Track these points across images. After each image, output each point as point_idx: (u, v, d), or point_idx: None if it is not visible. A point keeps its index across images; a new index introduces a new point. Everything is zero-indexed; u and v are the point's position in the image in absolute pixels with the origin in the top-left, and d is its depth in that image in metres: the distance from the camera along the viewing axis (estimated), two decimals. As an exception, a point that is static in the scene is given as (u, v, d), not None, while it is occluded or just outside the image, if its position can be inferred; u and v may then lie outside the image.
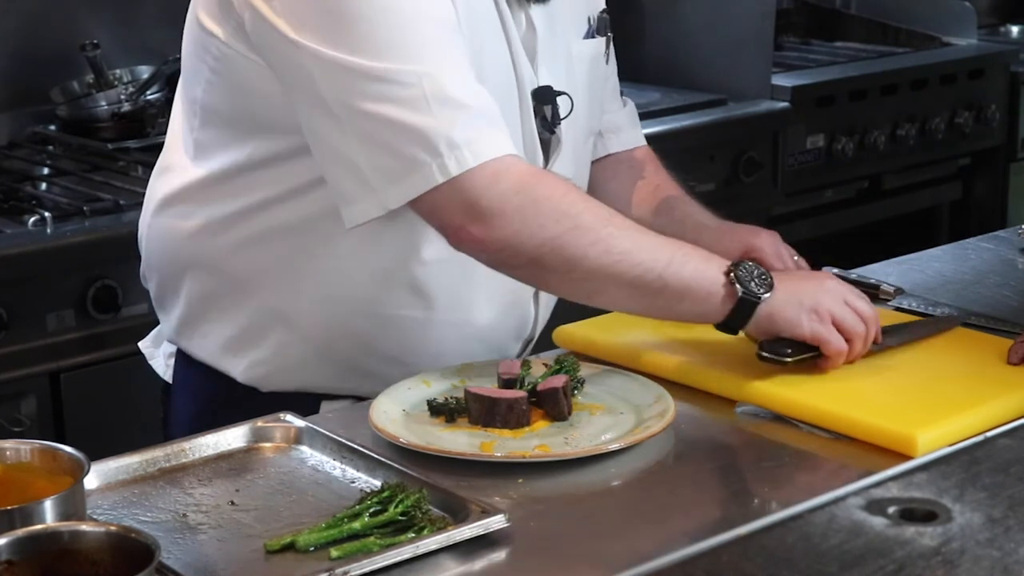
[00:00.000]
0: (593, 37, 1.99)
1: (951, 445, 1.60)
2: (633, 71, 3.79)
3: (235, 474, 1.58)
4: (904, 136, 3.99)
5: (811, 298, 1.73)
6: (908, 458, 1.59)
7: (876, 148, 3.92)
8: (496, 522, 1.42)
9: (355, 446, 1.60)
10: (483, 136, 1.67)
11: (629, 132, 2.17)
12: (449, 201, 1.67)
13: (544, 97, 1.87)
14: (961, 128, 4.14)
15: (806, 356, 1.76)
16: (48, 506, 1.32)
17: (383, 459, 1.57)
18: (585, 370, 1.78)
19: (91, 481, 1.52)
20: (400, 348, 1.87)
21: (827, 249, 3.86)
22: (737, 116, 3.57)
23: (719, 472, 1.63)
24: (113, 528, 1.30)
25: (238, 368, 1.88)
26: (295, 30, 1.67)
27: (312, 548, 1.40)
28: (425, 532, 1.41)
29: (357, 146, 1.68)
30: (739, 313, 1.72)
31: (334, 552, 1.39)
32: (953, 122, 4.12)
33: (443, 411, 1.71)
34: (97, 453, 1.54)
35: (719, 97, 3.62)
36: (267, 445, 1.65)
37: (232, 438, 1.65)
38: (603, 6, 2.03)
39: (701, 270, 1.72)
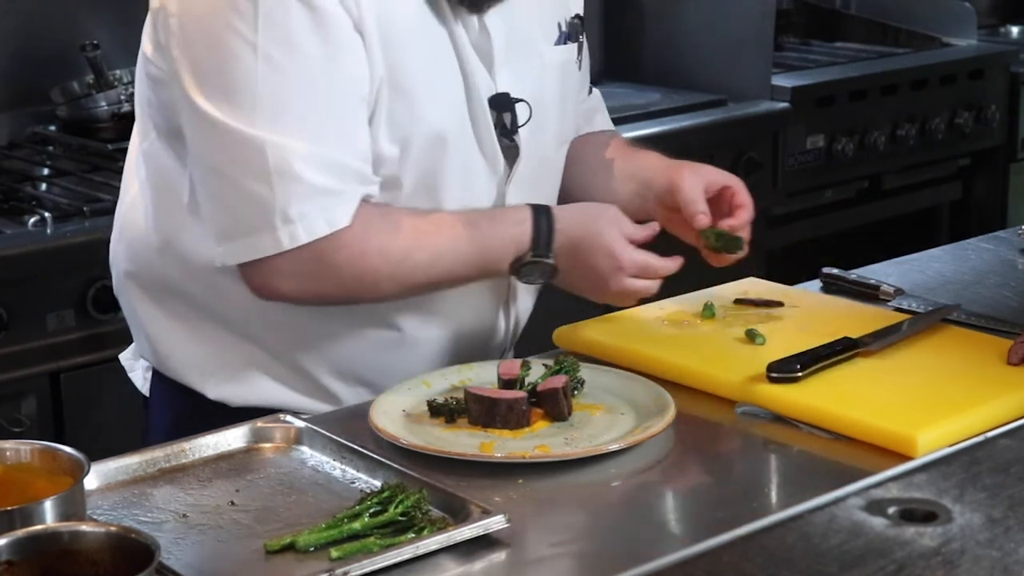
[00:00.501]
0: (564, 43, 1.97)
1: (951, 445, 1.60)
2: (633, 71, 3.80)
3: (235, 474, 1.58)
4: (904, 136, 3.98)
5: (600, 278, 1.83)
6: (908, 458, 1.59)
7: (876, 148, 3.92)
8: (496, 522, 1.42)
9: (355, 446, 1.60)
10: (319, 212, 1.70)
11: (601, 115, 2.19)
12: (274, 269, 1.73)
13: (502, 104, 1.86)
14: (961, 128, 4.14)
15: (817, 368, 1.76)
16: (48, 506, 1.32)
17: (383, 459, 1.57)
18: (585, 370, 1.78)
19: (91, 481, 1.52)
20: (368, 367, 1.87)
21: (827, 249, 3.87)
22: (737, 116, 3.57)
23: (719, 472, 1.63)
24: (113, 528, 1.30)
25: (207, 385, 1.87)
26: (190, 74, 1.71)
27: (312, 548, 1.40)
28: (425, 532, 1.41)
29: (207, 200, 1.74)
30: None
31: (334, 552, 1.39)
32: (953, 122, 4.12)
33: (443, 411, 1.71)
34: (97, 453, 1.54)
35: (719, 97, 3.62)
36: (267, 445, 1.65)
37: (232, 438, 1.65)
38: (576, 11, 2.01)
39: (491, 269, 1.82)
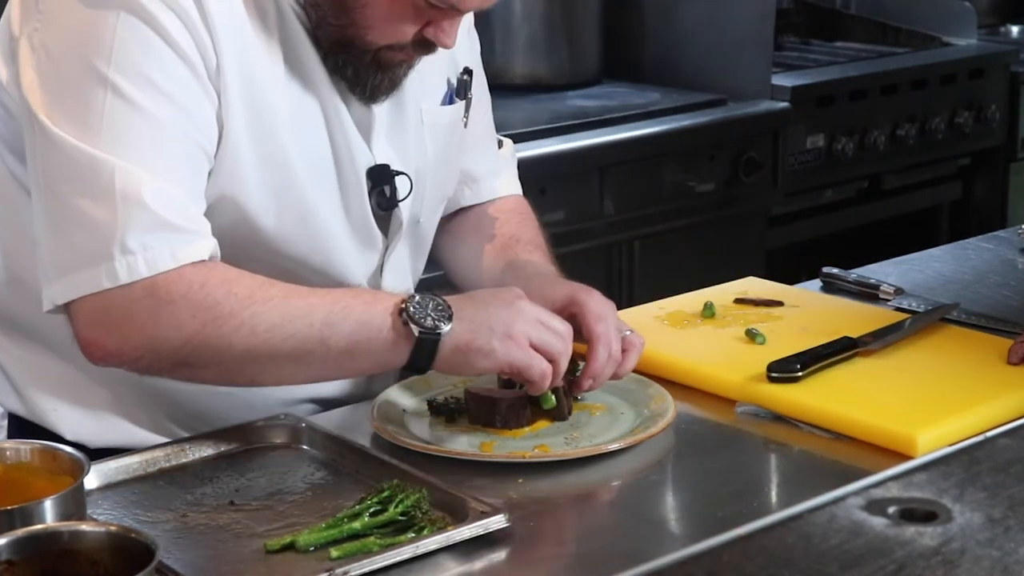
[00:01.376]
0: (451, 102, 1.89)
1: (951, 445, 1.60)
2: (633, 71, 3.80)
3: (235, 474, 1.58)
4: (904, 136, 3.98)
5: (502, 323, 1.59)
6: (908, 458, 1.59)
7: (876, 148, 3.92)
8: (496, 522, 1.42)
9: (355, 446, 1.60)
10: (163, 245, 1.55)
11: (488, 182, 2.03)
12: (102, 313, 1.55)
13: (380, 176, 1.77)
14: (961, 128, 4.13)
15: (817, 367, 1.76)
16: (48, 506, 1.32)
17: (383, 459, 1.57)
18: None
19: (91, 481, 1.52)
20: (210, 412, 1.77)
21: (827, 249, 3.87)
22: (737, 116, 3.57)
23: (719, 472, 1.63)
24: (113, 528, 1.30)
25: (65, 427, 1.77)
26: (39, 98, 1.59)
27: (312, 548, 1.40)
28: (425, 532, 1.41)
29: (44, 231, 1.59)
30: (421, 352, 1.58)
31: (334, 552, 1.39)
32: (953, 122, 4.12)
33: (443, 411, 1.71)
34: (97, 453, 1.54)
35: (719, 97, 3.61)
36: (267, 445, 1.65)
37: (232, 438, 1.65)
38: (464, 64, 1.92)
39: (364, 320, 1.57)
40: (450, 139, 1.90)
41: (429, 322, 1.57)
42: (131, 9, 1.58)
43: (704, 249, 3.42)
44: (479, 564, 1.40)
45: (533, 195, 2.98)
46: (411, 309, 1.57)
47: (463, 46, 1.88)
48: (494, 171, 2.04)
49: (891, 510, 1.38)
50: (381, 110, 1.77)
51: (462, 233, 2.00)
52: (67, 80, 1.59)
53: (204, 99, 1.62)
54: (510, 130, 3.13)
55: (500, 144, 2.08)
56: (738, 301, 2.05)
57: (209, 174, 1.64)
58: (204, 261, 1.57)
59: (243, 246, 1.68)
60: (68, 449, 1.43)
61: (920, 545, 1.30)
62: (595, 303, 1.74)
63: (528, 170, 3.02)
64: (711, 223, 3.49)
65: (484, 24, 3.57)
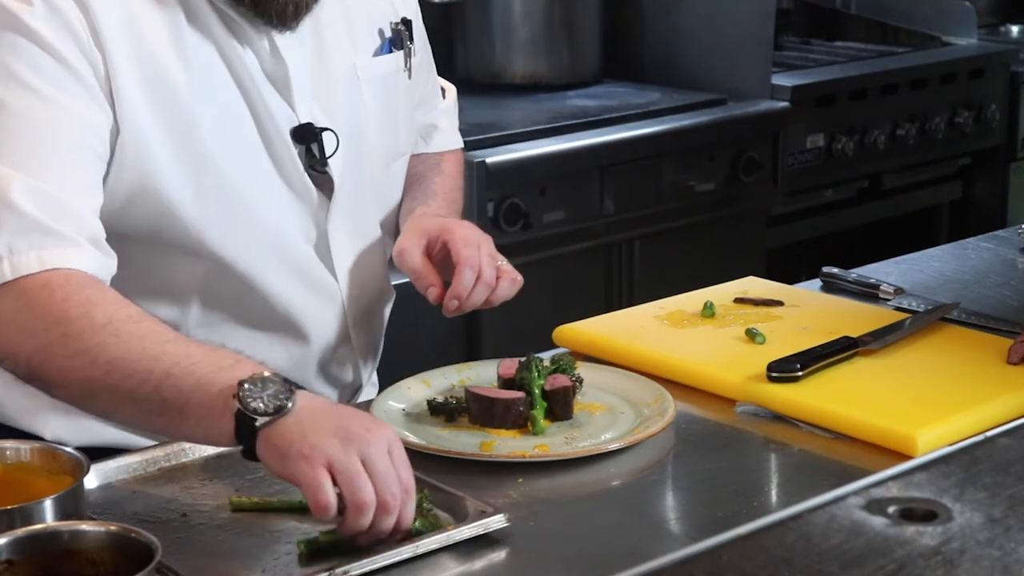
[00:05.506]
0: (389, 52, 1.86)
1: (951, 445, 1.60)
2: (633, 70, 3.80)
3: (235, 474, 1.58)
4: (904, 136, 3.98)
5: (316, 433, 1.37)
6: (908, 458, 1.59)
7: (876, 148, 3.92)
8: (496, 522, 1.42)
9: (355, 446, 1.60)
10: (29, 248, 1.51)
11: (441, 134, 2.06)
12: None
13: (304, 135, 1.74)
14: (961, 128, 4.13)
15: (817, 367, 1.76)
16: (48, 506, 1.33)
17: (383, 459, 1.56)
18: (585, 369, 1.78)
19: (91, 481, 1.52)
20: None
21: (827, 249, 3.88)
22: (737, 116, 3.57)
23: (719, 472, 1.63)
24: (113, 528, 1.30)
25: (43, 427, 1.76)
26: None
27: (314, 552, 1.40)
28: (425, 532, 1.41)
29: None
30: (241, 435, 1.40)
31: (334, 552, 1.39)
32: (953, 122, 4.12)
33: (443, 411, 1.71)
34: (97, 453, 1.54)
35: (719, 97, 3.61)
36: (267, 445, 1.64)
37: (232, 438, 1.65)
38: (403, 15, 1.89)
39: (205, 383, 1.42)
40: (392, 90, 1.88)
41: (258, 404, 1.39)
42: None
43: (704, 249, 3.41)
44: (479, 564, 1.40)
45: (533, 195, 2.99)
46: (247, 388, 1.40)
47: None
48: (440, 122, 2.06)
49: (891, 510, 1.38)
50: (300, 64, 1.75)
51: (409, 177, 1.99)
52: None
53: (84, 93, 1.60)
54: (510, 130, 3.13)
55: (444, 94, 2.09)
56: (738, 301, 2.05)
57: (110, 167, 1.62)
58: (79, 272, 1.52)
59: (169, 241, 1.68)
60: (68, 449, 1.43)
61: (920, 545, 1.30)
62: (465, 230, 1.78)
63: (528, 170, 3.04)
64: (711, 223, 3.49)
65: (484, 24, 3.58)
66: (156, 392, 1.44)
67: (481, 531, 1.42)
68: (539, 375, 1.71)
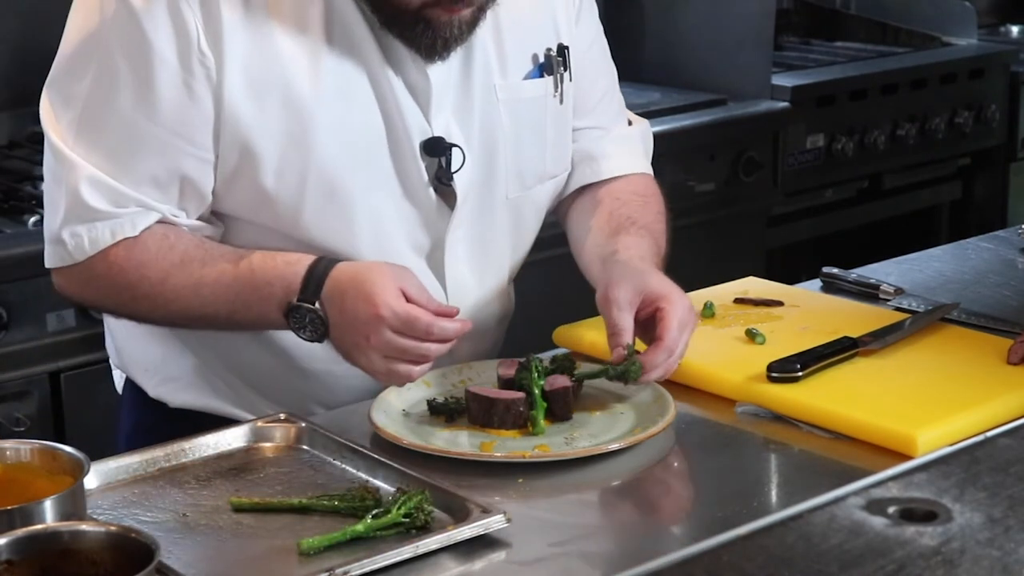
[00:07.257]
0: (539, 76, 1.89)
1: (951, 445, 1.60)
2: (633, 70, 3.80)
3: (235, 474, 1.58)
4: (904, 136, 3.98)
5: (352, 354, 1.69)
6: (908, 458, 1.59)
7: (876, 148, 3.92)
8: (496, 522, 1.42)
9: (355, 446, 1.60)
10: (86, 232, 1.72)
11: (608, 162, 2.01)
12: (59, 275, 1.79)
13: (434, 149, 1.79)
14: (961, 128, 4.14)
15: (817, 367, 1.76)
16: (48, 506, 1.32)
17: (383, 459, 1.57)
18: (585, 369, 1.78)
19: (91, 481, 1.52)
20: (312, 390, 1.85)
21: (827, 249, 3.88)
22: (737, 116, 3.57)
23: (719, 472, 1.63)
24: (113, 528, 1.30)
25: (149, 384, 1.90)
26: (47, 86, 1.77)
27: (314, 552, 1.40)
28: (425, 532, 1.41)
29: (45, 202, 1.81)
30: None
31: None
32: (953, 122, 4.12)
33: (443, 411, 1.71)
34: (96, 453, 1.54)
35: (719, 97, 3.62)
36: (267, 445, 1.65)
37: (232, 438, 1.65)
38: (554, 43, 1.90)
39: (262, 314, 1.72)
40: (538, 114, 1.90)
41: (304, 335, 1.70)
42: (123, 5, 1.68)
43: (704, 249, 3.41)
44: (479, 564, 1.40)
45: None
46: (292, 319, 1.70)
47: (559, 22, 1.91)
48: (616, 151, 2.02)
49: (891, 510, 1.38)
50: (444, 81, 1.79)
51: (580, 212, 1.99)
52: (67, 64, 1.75)
53: (185, 93, 1.69)
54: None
55: (631, 123, 2.08)
56: (738, 301, 2.05)
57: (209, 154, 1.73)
58: (129, 239, 1.73)
59: (266, 226, 1.76)
60: (68, 449, 1.43)
61: (920, 545, 1.30)
62: (682, 311, 1.73)
63: (528, 170, 3.04)
64: (711, 223, 3.49)
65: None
66: (227, 323, 1.76)
67: (481, 531, 1.42)
68: (539, 375, 1.71)
